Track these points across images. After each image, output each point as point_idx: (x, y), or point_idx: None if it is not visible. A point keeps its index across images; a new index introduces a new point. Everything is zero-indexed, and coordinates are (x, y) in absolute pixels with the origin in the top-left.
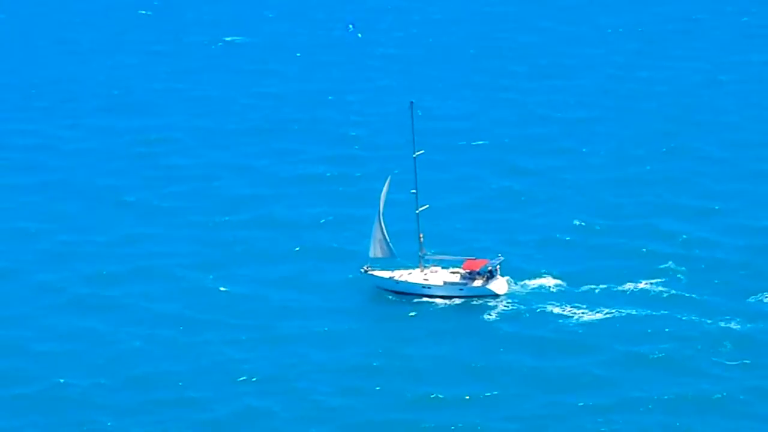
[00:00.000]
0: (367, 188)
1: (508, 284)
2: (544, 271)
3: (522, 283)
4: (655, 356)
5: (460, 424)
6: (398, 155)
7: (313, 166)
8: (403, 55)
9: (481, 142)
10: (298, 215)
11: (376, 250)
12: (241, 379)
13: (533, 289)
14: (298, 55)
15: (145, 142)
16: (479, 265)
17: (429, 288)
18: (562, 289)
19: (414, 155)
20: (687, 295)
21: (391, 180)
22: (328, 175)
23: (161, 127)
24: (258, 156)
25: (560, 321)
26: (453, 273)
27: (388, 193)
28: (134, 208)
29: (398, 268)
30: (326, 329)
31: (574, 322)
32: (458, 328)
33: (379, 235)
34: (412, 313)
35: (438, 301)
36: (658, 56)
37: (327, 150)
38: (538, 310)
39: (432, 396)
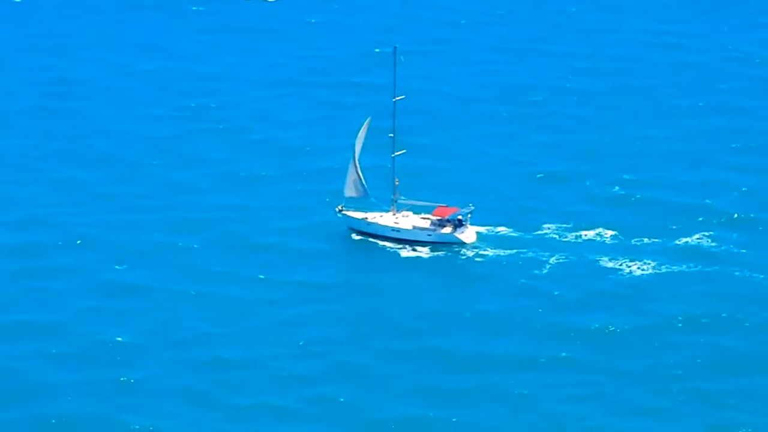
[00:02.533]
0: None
1: (478, 234)
2: (593, 223)
3: (568, 236)
4: (706, 311)
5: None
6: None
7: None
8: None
9: (536, 99)
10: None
11: (350, 190)
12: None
13: (582, 241)
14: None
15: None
16: (449, 212)
17: (398, 231)
18: (615, 242)
19: (394, 99)
20: (737, 250)
21: (370, 123)
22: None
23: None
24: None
25: (612, 276)
26: (423, 219)
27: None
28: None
29: (372, 210)
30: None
31: (626, 275)
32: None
33: (354, 176)
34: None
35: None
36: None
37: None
38: (590, 263)
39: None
